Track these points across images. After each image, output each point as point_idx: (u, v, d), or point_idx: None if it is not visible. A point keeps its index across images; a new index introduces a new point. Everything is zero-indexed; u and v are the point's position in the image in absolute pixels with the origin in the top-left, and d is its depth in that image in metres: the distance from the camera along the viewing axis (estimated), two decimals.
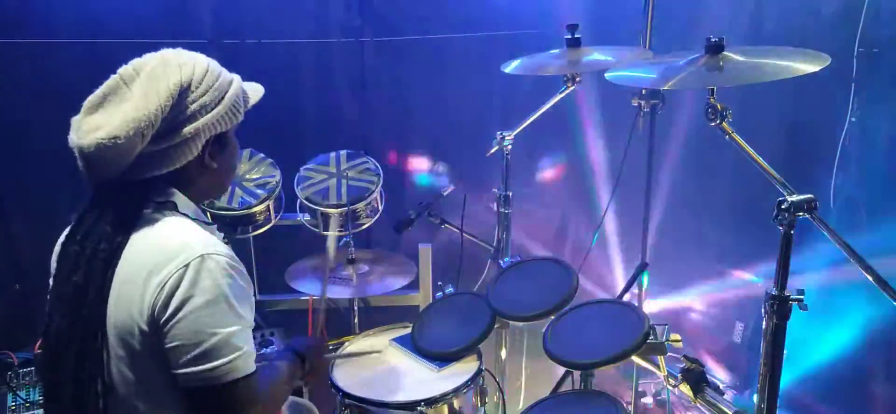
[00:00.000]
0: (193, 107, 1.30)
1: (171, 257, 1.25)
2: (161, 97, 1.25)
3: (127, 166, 1.26)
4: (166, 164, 1.30)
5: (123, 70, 1.30)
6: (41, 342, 1.36)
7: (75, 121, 1.29)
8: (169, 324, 1.24)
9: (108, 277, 1.27)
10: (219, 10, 3.17)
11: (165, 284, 1.23)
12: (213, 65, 1.37)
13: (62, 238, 1.37)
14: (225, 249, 1.31)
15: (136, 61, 1.31)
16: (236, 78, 1.42)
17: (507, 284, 2.26)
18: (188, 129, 1.29)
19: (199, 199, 1.43)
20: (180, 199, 1.36)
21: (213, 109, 1.32)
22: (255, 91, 1.49)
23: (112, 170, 1.26)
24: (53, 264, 1.38)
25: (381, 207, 2.71)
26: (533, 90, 2.80)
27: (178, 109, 1.28)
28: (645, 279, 2.81)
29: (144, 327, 1.25)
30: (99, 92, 1.28)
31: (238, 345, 1.27)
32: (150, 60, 1.31)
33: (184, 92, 1.28)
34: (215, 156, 1.39)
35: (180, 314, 1.23)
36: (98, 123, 1.24)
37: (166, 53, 1.33)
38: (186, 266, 1.24)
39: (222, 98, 1.34)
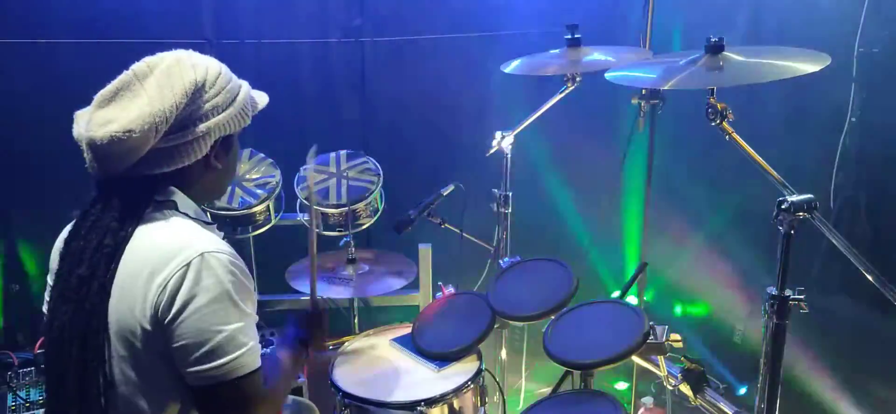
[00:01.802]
0: (206, 106, 1.32)
1: (172, 257, 1.25)
2: (176, 94, 1.27)
3: (136, 161, 1.27)
4: (175, 161, 1.31)
5: (136, 66, 1.31)
6: (44, 338, 1.36)
7: (82, 114, 1.30)
8: (174, 324, 1.24)
9: (112, 272, 1.28)
10: (219, 11, 3.17)
11: (167, 284, 1.24)
12: (225, 68, 1.40)
13: (64, 234, 1.38)
14: (225, 246, 1.32)
15: (148, 59, 1.32)
16: (245, 83, 1.45)
17: (507, 284, 2.26)
18: (201, 127, 1.31)
19: (199, 200, 1.44)
20: (180, 198, 1.37)
21: (224, 110, 1.35)
22: (262, 98, 1.52)
23: (121, 164, 1.27)
24: (54, 261, 1.38)
25: (381, 207, 2.71)
26: (533, 90, 2.79)
27: (192, 107, 1.30)
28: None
29: (147, 327, 1.26)
30: (111, 87, 1.29)
31: (243, 341, 1.28)
32: (164, 58, 1.32)
33: (198, 91, 1.31)
34: (220, 157, 1.41)
35: (185, 314, 1.24)
36: (111, 117, 1.25)
37: (180, 53, 1.35)
38: (187, 265, 1.24)
39: (234, 100, 1.38)
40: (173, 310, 1.24)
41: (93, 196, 1.35)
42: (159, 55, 1.33)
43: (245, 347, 1.28)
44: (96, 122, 1.26)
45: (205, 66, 1.34)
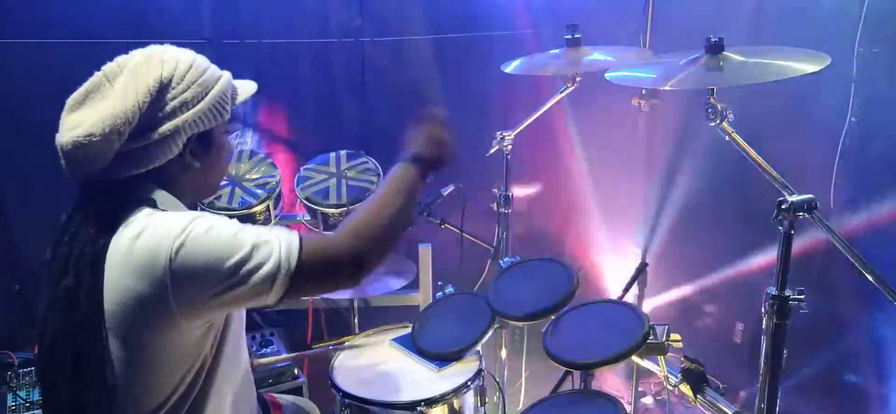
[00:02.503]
0: (173, 103, 1.27)
1: (161, 247, 1.20)
2: (139, 94, 1.23)
3: (106, 165, 1.24)
4: (145, 162, 1.27)
5: (107, 67, 1.28)
6: (37, 346, 1.33)
7: (61, 119, 1.27)
8: (209, 298, 1.20)
9: (98, 280, 1.24)
10: (219, 10, 3.17)
11: (171, 274, 1.19)
12: (199, 61, 1.34)
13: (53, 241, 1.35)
14: (193, 214, 1.26)
15: (120, 58, 1.29)
16: (225, 75, 1.39)
17: (507, 284, 2.26)
18: (167, 126, 1.26)
19: (188, 200, 1.38)
20: (162, 196, 1.31)
21: (194, 107, 1.29)
22: (247, 88, 1.46)
23: (90, 168, 1.24)
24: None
25: None
26: (533, 90, 2.80)
27: (156, 106, 1.25)
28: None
29: (157, 320, 1.22)
30: (82, 89, 1.26)
31: (267, 240, 1.23)
32: (134, 57, 1.29)
33: (163, 88, 1.26)
34: (198, 155, 1.35)
35: (209, 285, 1.20)
36: (78, 121, 1.22)
37: (152, 49, 1.31)
38: (182, 244, 1.19)
39: (205, 95, 1.31)
40: (196, 290, 1.20)
41: (76, 200, 1.32)
42: (133, 53, 1.29)
43: (271, 246, 1.22)
44: (66, 126, 1.23)
45: (174, 60, 1.29)
